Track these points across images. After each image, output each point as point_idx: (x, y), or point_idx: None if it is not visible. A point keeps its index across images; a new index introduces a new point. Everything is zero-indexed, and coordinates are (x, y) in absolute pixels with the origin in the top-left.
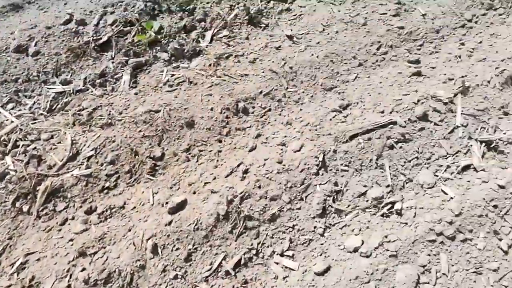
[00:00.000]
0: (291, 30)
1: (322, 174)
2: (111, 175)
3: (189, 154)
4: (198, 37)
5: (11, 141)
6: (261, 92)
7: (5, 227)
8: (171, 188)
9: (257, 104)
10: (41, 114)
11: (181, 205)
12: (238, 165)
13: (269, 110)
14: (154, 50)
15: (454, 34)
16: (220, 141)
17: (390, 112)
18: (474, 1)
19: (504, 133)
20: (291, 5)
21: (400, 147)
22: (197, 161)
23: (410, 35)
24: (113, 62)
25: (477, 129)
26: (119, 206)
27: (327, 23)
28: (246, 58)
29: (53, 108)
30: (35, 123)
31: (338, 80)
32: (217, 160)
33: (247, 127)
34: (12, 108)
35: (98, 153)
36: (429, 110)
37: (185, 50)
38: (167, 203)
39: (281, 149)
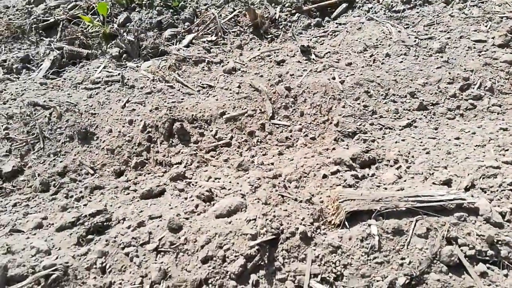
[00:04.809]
0: (312, 45)
1: None
2: None
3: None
4: (173, 37)
5: None
6: (222, 114)
7: None
8: None
9: (209, 130)
10: None
11: None
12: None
13: (227, 144)
14: (108, 44)
15: None
16: (119, 174)
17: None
18: None
19: None
20: (325, 21)
21: None
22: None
23: None
24: (48, 48)
25: None
26: None
27: (374, 43)
28: (223, 66)
29: None
30: None
31: (372, 122)
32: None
33: (173, 165)
34: None
35: None
36: None
37: (143, 48)
38: None
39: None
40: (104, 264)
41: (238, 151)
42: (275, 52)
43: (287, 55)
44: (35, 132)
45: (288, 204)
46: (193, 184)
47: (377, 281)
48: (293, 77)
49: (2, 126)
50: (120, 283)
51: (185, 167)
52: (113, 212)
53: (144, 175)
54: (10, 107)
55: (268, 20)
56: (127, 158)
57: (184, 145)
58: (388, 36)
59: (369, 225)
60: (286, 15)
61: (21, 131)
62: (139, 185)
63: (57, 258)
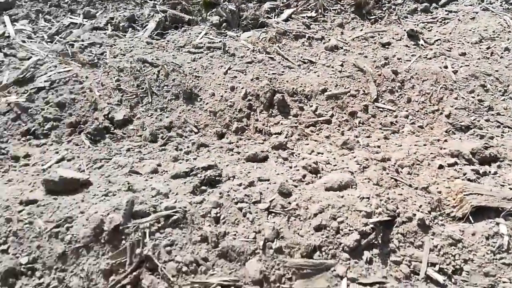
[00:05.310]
0: (419, 30)
1: None
2: None
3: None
4: (272, 10)
5: None
6: (324, 91)
7: None
8: None
9: (309, 105)
10: (42, 37)
11: None
12: None
13: (327, 121)
14: (208, 12)
15: None
16: (220, 136)
17: None
18: None
19: None
20: (433, 7)
21: None
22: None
23: None
24: (152, 11)
25: None
26: None
27: (491, 35)
28: (324, 43)
29: (57, 33)
30: (24, 42)
31: (488, 119)
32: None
33: (272, 134)
34: (24, 25)
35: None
36: None
37: (243, 18)
38: None
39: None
40: (218, 215)
41: (338, 129)
42: (379, 34)
43: (393, 38)
44: (144, 86)
45: (403, 189)
46: (296, 155)
47: (504, 282)
48: (401, 61)
49: (114, 77)
50: (234, 235)
51: (286, 137)
52: (222, 169)
53: (244, 140)
54: (120, 61)
55: (372, 0)
56: (228, 122)
57: (283, 117)
58: (507, 29)
59: (497, 224)
60: None
61: (131, 84)
62: (241, 149)
63: (175, 202)
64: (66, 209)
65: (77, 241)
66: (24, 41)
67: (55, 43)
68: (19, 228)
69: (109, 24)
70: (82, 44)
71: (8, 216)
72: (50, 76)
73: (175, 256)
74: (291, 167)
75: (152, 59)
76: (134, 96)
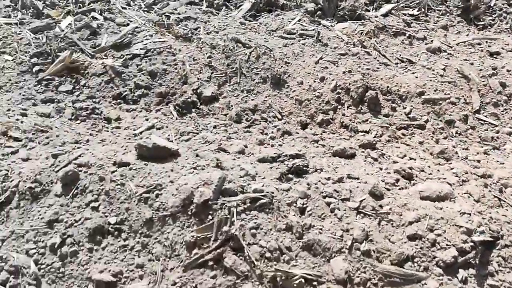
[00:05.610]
0: None
1: None
2: None
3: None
4: (370, 3)
5: None
6: (421, 94)
7: None
8: None
9: (402, 107)
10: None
11: None
12: None
13: (421, 126)
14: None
15: None
16: (304, 126)
17: None
18: None
19: None
20: None
21: None
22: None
23: None
24: None
25: None
26: None
27: None
28: (426, 44)
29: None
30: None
31: None
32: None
33: (359, 131)
34: None
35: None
36: None
37: (340, 8)
38: None
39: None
40: (304, 206)
41: (432, 137)
42: (487, 42)
43: (503, 48)
44: (234, 66)
45: (507, 210)
46: (386, 157)
47: None
48: (510, 74)
49: (206, 53)
50: (320, 229)
51: (375, 137)
52: (309, 160)
53: (328, 134)
54: (214, 38)
55: (484, 5)
56: (313, 112)
57: (373, 115)
58: None
59: None
60: (503, 4)
61: (222, 63)
62: (326, 142)
63: (263, 185)
64: (157, 176)
65: (165, 209)
66: (123, 8)
67: (152, 13)
68: (111, 188)
69: (204, 0)
70: (178, 17)
71: (102, 175)
72: (146, 44)
73: (259, 240)
74: (381, 169)
75: (245, 39)
76: (224, 74)
